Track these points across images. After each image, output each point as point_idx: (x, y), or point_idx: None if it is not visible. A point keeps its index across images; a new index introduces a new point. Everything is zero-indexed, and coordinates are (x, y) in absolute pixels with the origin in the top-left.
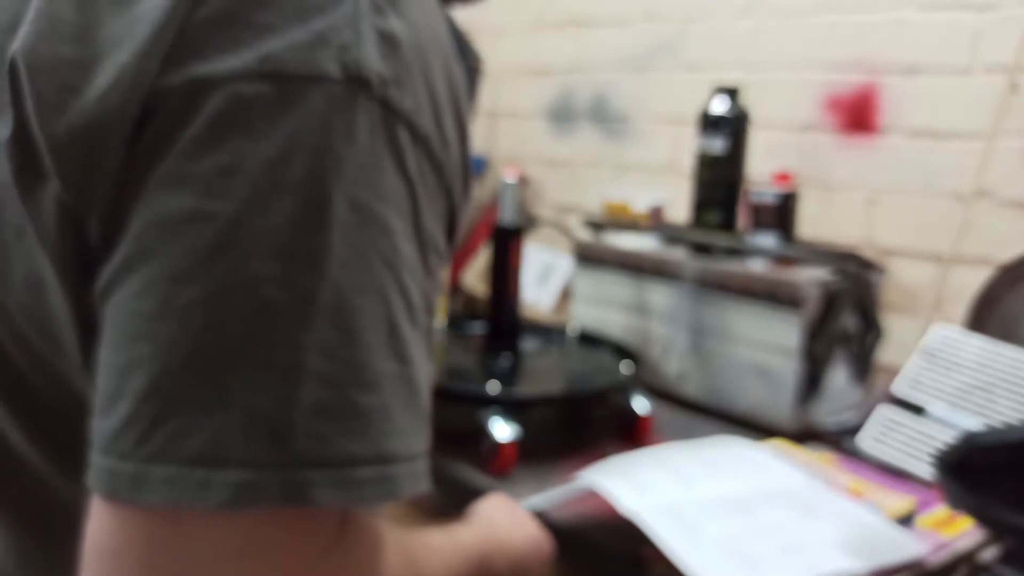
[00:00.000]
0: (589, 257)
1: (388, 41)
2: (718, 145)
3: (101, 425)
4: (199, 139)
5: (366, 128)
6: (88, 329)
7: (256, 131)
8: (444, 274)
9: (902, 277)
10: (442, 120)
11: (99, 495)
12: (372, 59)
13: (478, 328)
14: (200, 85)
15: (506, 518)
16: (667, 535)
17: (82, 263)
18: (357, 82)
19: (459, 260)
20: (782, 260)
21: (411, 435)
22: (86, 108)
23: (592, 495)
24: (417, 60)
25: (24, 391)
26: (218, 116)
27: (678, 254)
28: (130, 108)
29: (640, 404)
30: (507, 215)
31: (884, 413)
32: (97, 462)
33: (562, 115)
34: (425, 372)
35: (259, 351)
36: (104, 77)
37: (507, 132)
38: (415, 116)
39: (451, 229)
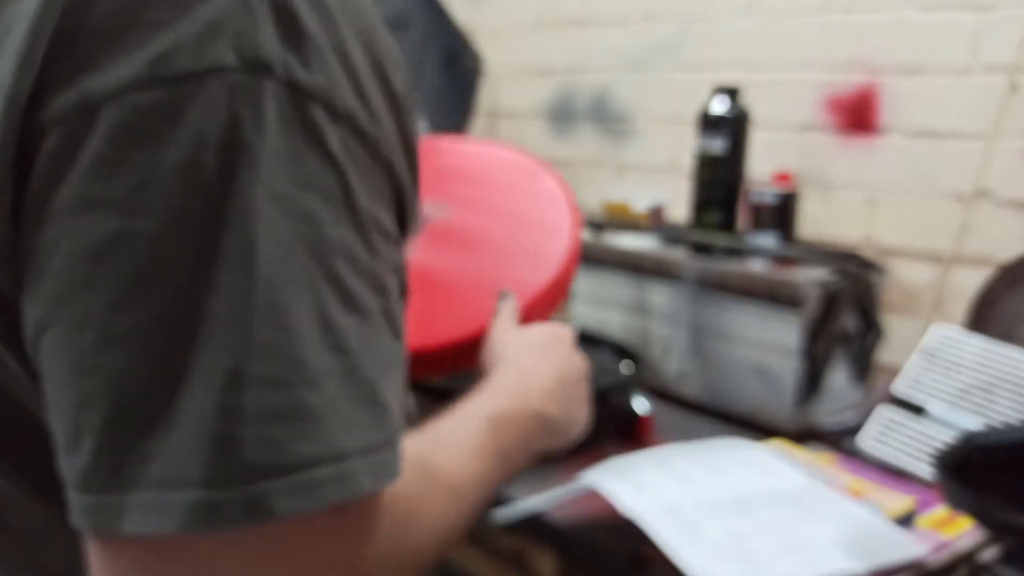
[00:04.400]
0: (589, 257)
1: (287, 18)
2: (718, 145)
3: (71, 463)
4: (103, 159)
5: (275, 115)
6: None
7: (160, 140)
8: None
9: (902, 277)
10: (366, 93)
11: (87, 533)
12: (271, 41)
13: None
14: (92, 101)
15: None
16: (667, 535)
17: None
18: (257, 68)
19: None
20: (782, 260)
21: (365, 427)
22: None
23: (592, 495)
24: (325, 34)
25: None
26: (117, 132)
27: (678, 254)
28: (10, 133)
29: (640, 404)
30: None
31: (884, 413)
32: (76, 501)
33: (562, 115)
34: (377, 359)
35: (201, 363)
36: None
37: (507, 132)
38: (330, 93)
39: (401, 205)
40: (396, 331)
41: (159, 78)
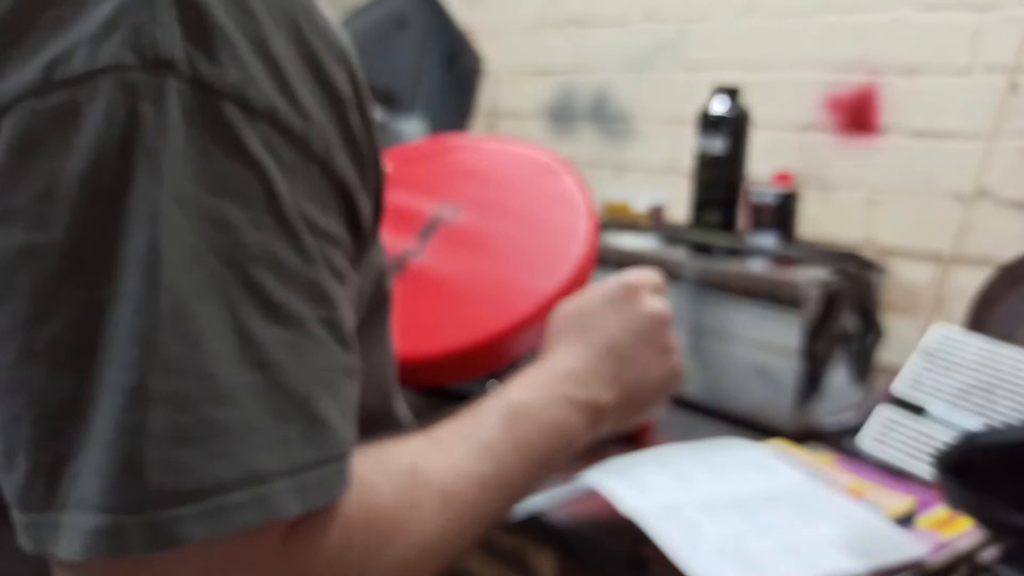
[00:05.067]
0: None
1: (192, 11)
2: (718, 145)
3: (9, 482)
4: (7, 169)
5: (180, 114)
6: None
7: (60, 146)
8: (375, 253)
9: (902, 277)
10: (291, 87)
11: (37, 554)
12: (172, 35)
13: None
14: None
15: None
16: (667, 535)
17: None
18: (158, 64)
19: None
20: (782, 260)
21: (293, 445)
22: None
23: (592, 495)
24: (239, 26)
25: None
26: (19, 140)
27: (678, 254)
28: None
29: None
30: None
31: (884, 413)
32: (18, 520)
33: (562, 115)
34: (310, 371)
35: (107, 379)
36: None
37: (507, 132)
38: (244, 89)
39: (352, 207)
40: (342, 340)
41: (55, 82)
